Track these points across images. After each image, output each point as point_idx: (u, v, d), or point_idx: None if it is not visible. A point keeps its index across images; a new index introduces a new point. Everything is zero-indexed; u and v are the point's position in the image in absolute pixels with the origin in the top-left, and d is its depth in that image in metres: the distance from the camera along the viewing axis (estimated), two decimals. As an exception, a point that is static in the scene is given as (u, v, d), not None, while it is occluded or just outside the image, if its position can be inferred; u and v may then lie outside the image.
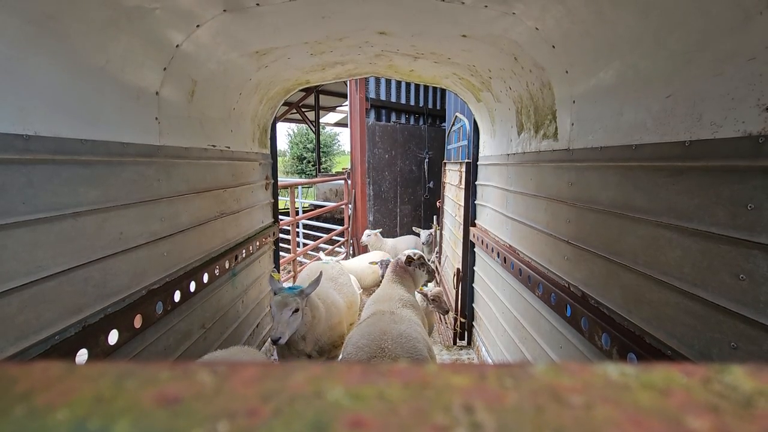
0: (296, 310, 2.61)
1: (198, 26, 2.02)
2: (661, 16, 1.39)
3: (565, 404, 0.22)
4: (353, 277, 4.51)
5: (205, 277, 2.59)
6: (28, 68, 1.34)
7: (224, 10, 1.99)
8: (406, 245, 7.08)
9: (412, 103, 9.55)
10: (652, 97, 1.50)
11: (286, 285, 2.79)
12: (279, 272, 4.44)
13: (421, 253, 3.69)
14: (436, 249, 6.62)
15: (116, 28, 1.65)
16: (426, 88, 9.55)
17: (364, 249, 7.25)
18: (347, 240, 8.10)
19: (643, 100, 1.56)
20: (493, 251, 3.46)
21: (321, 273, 2.96)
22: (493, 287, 3.57)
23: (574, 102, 2.11)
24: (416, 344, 2.42)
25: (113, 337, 1.73)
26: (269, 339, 2.63)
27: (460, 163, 4.63)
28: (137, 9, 1.67)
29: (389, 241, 7.23)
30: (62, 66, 1.48)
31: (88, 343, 1.58)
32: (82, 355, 1.58)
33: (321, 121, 13.53)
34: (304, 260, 7.34)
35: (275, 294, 2.63)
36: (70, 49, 1.50)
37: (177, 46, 2.03)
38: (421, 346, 2.45)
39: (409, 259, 3.52)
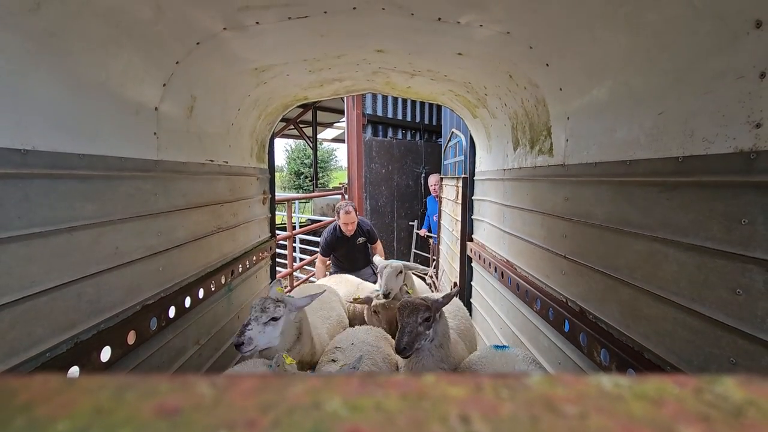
0: (274, 319, 2.26)
1: (198, 43, 2.06)
2: (651, 36, 1.42)
3: (560, 414, 0.23)
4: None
5: (201, 293, 2.57)
6: (28, 84, 1.35)
7: (224, 28, 2.03)
8: None
9: (409, 118, 9.66)
10: (645, 114, 1.52)
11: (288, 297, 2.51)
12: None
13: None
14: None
15: (117, 45, 1.67)
16: (422, 104, 9.68)
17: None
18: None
19: (636, 117, 1.59)
20: (490, 266, 3.45)
21: (324, 290, 2.76)
22: (491, 302, 3.55)
23: (568, 118, 2.15)
24: None
25: (106, 354, 1.71)
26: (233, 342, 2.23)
27: (457, 179, 4.67)
28: (138, 26, 1.70)
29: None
30: (62, 82, 1.49)
31: (80, 361, 1.55)
32: (74, 373, 1.55)
33: (318, 136, 13.64)
34: (300, 275, 7.30)
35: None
36: (71, 65, 1.51)
37: (177, 62, 2.06)
38: None
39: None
